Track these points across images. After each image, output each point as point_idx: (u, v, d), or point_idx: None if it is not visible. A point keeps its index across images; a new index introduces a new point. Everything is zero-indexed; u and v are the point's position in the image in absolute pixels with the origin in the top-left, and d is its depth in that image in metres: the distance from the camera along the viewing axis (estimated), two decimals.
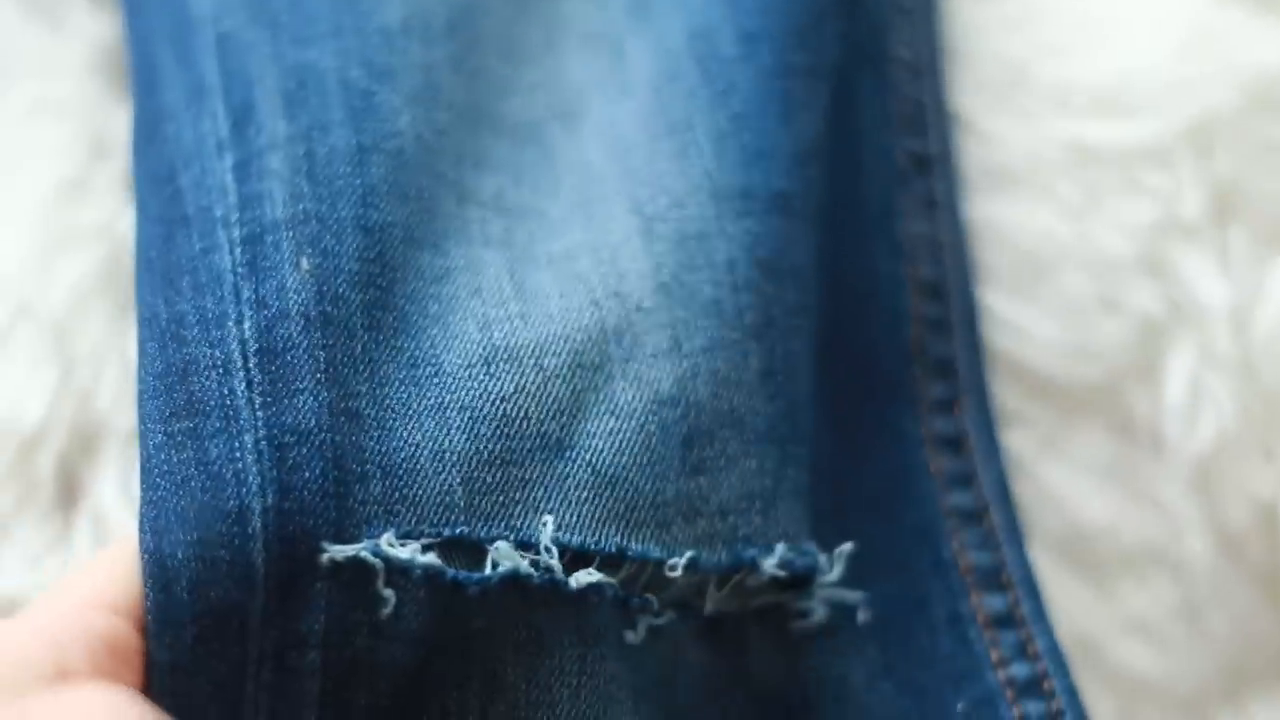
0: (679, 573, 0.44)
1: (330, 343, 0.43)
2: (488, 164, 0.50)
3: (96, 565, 0.42)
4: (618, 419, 0.45)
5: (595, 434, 0.45)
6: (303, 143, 0.46)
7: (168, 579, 0.40)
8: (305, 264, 0.44)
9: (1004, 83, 0.57)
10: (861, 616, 0.49)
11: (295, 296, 0.43)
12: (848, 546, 0.47)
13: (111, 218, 0.53)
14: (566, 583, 0.43)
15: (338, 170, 0.46)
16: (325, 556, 0.40)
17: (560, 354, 0.46)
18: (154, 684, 0.40)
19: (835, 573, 0.47)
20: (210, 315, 0.44)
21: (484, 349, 0.45)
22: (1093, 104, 0.56)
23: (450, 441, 0.43)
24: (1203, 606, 0.54)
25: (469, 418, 0.44)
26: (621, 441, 0.45)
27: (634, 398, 0.46)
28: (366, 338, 0.44)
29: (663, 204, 0.49)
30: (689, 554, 0.45)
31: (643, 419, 0.45)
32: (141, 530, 0.41)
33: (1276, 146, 0.55)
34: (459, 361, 0.45)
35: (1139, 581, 0.54)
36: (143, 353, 0.45)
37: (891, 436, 0.53)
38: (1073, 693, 0.49)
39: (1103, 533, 0.54)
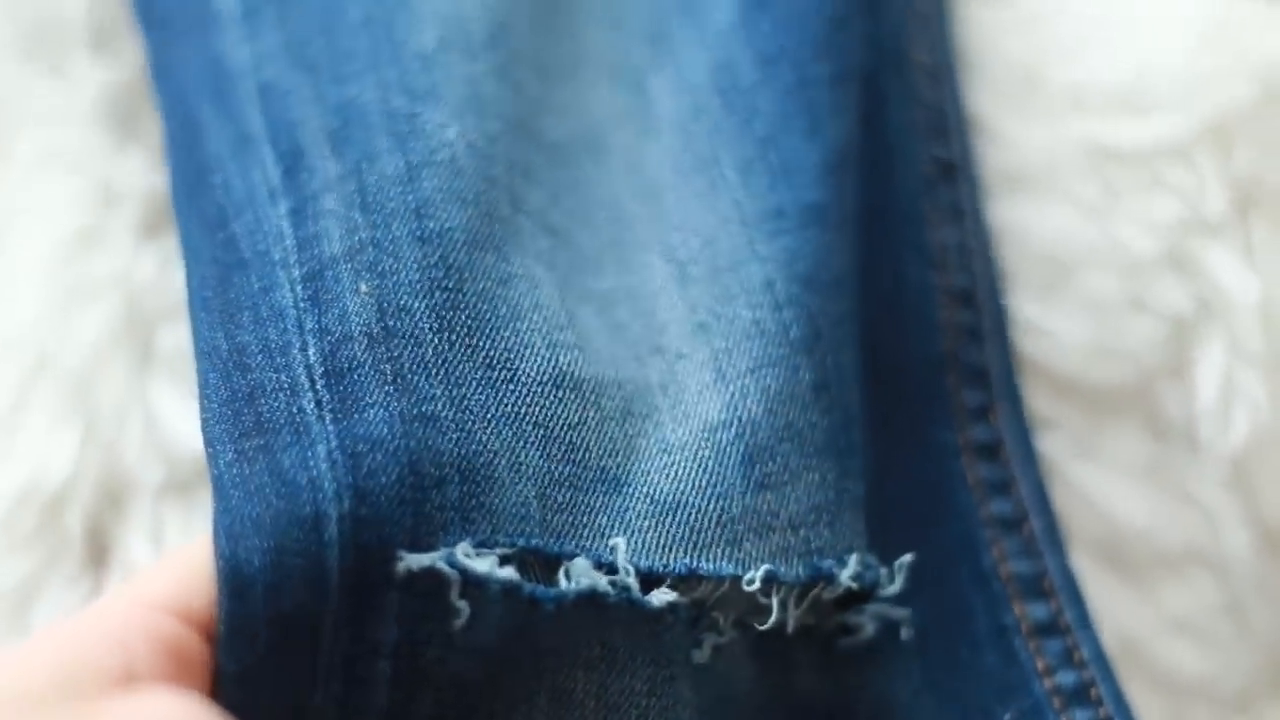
0: (756, 585, 0.44)
1: (396, 354, 0.43)
2: (533, 176, 0.50)
3: (162, 569, 0.41)
4: (670, 454, 0.45)
5: (650, 470, 0.45)
6: (353, 179, 0.46)
7: (242, 585, 0.39)
8: (364, 287, 0.44)
9: (1017, 85, 0.56)
10: (905, 634, 0.49)
11: (357, 318, 0.43)
12: (908, 558, 0.47)
13: (126, 266, 0.53)
14: (646, 601, 0.42)
15: (389, 194, 0.46)
16: (401, 565, 0.40)
17: (614, 398, 0.46)
18: (221, 694, 0.39)
19: (897, 584, 0.47)
20: (274, 344, 0.44)
21: (553, 368, 0.45)
22: (1108, 103, 0.55)
23: (526, 455, 0.43)
24: (1246, 603, 0.53)
25: (543, 435, 0.44)
26: (678, 471, 0.45)
27: (684, 433, 0.46)
28: (437, 340, 0.44)
29: (695, 245, 0.49)
30: (765, 567, 0.44)
31: (696, 448, 0.45)
32: (216, 536, 0.40)
33: None
34: (533, 374, 0.45)
35: (1180, 581, 0.54)
36: (205, 384, 0.44)
37: (927, 446, 0.52)
38: (1120, 698, 0.49)
39: (1141, 534, 0.53)
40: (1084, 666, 0.49)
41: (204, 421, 0.44)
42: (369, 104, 0.48)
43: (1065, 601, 0.50)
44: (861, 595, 0.47)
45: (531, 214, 0.48)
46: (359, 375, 0.42)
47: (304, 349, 0.43)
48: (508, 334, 0.45)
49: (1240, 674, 0.53)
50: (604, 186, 0.51)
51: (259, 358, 0.44)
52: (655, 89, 0.53)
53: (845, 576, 0.45)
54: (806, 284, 0.48)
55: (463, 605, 0.40)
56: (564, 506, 0.43)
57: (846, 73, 0.53)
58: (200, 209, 0.48)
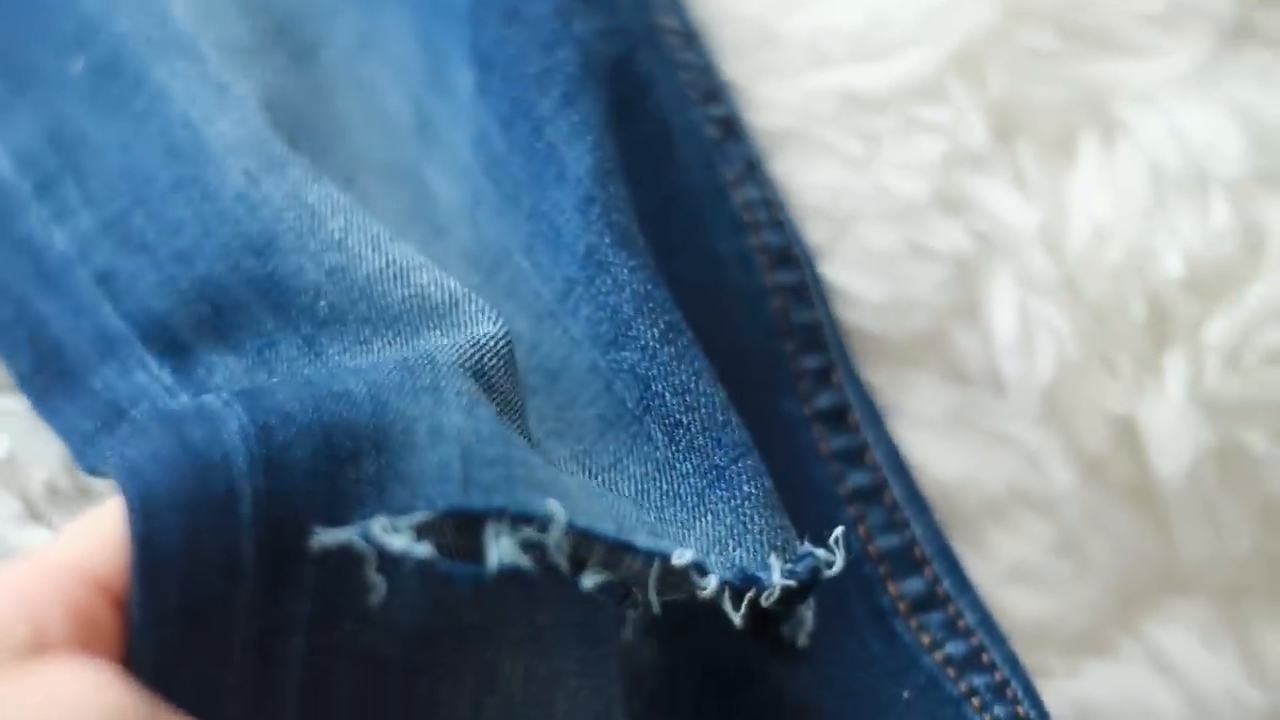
0: (687, 560, 0.40)
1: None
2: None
3: (70, 535, 0.38)
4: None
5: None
6: (261, 370, 0.46)
7: (156, 573, 0.37)
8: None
9: (754, 44, 0.54)
10: (802, 641, 0.46)
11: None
12: (840, 531, 0.43)
13: None
14: (576, 581, 0.40)
15: (299, 370, 0.46)
16: (315, 541, 0.37)
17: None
18: (134, 671, 0.37)
19: (839, 561, 0.43)
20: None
21: (475, 361, 0.44)
22: (849, 49, 0.53)
23: (448, 417, 0.41)
24: (1078, 537, 0.52)
25: (468, 401, 0.41)
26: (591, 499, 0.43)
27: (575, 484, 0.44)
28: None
29: (521, 352, 0.48)
30: (690, 553, 0.41)
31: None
32: (130, 514, 0.37)
33: (1044, 54, 0.53)
34: (453, 360, 0.43)
35: (1009, 527, 0.52)
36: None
37: (776, 421, 0.50)
38: (1013, 661, 0.47)
39: (962, 484, 0.52)
40: (970, 634, 0.48)
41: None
42: (223, 275, 0.47)
43: (940, 570, 0.49)
44: (813, 583, 0.44)
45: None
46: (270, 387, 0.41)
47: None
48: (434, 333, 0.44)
49: (1085, 610, 0.52)
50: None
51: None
52: (433, 182, 0.51)
53: (776, 579, 0.42)
54: (615, 342, 0.46)
55: (378, 580, 0.38)
56: (495, 460, 0.40)
57: (574, 87, 0.50)
58: (83, 406, 0.47)
